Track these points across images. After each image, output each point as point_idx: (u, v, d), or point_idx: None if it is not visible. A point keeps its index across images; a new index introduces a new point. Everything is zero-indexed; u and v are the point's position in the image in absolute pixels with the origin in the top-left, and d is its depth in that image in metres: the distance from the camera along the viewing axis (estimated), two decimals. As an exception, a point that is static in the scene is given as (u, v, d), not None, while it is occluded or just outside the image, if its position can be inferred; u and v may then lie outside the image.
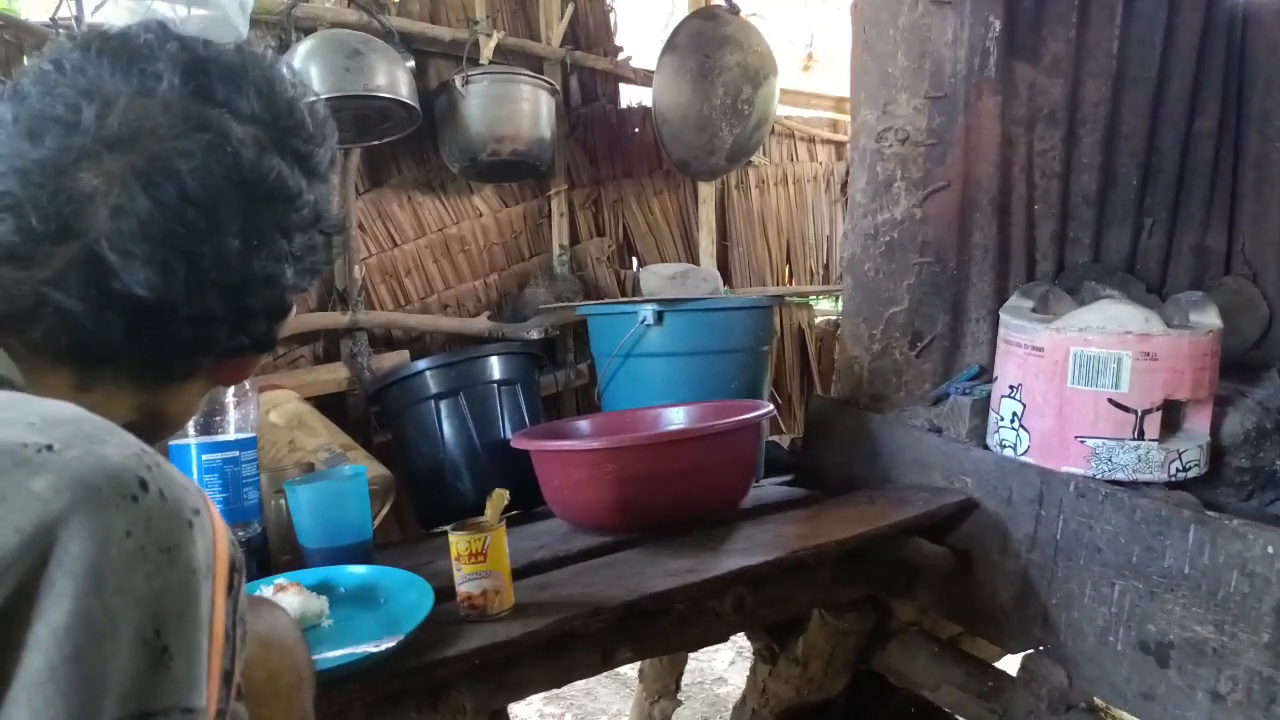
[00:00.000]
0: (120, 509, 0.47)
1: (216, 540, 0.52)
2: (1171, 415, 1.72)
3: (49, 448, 0.48)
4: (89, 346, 0.61)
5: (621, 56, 2.94)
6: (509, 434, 1.95)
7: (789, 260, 3.45)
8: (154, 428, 0.69)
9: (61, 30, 1.92)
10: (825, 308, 3.57)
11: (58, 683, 0.43)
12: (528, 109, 2.46)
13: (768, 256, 3.36)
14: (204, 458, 1.39)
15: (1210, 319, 1.78)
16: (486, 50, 2.52)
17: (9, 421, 0.49)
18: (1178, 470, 1.69)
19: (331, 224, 0.74)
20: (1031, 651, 1.63)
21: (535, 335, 2.56)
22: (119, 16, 2.01)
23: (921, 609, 1.82)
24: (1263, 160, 2.25)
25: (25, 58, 2.06)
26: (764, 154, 3.30)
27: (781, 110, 3.17)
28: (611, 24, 2.92)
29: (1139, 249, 2.29)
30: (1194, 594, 1.43)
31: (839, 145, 3.50)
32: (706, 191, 3.11)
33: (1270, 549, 1.36)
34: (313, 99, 0.73)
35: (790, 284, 3.43)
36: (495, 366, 2.04)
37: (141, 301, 0.60)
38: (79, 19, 1.89)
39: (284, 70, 0.72)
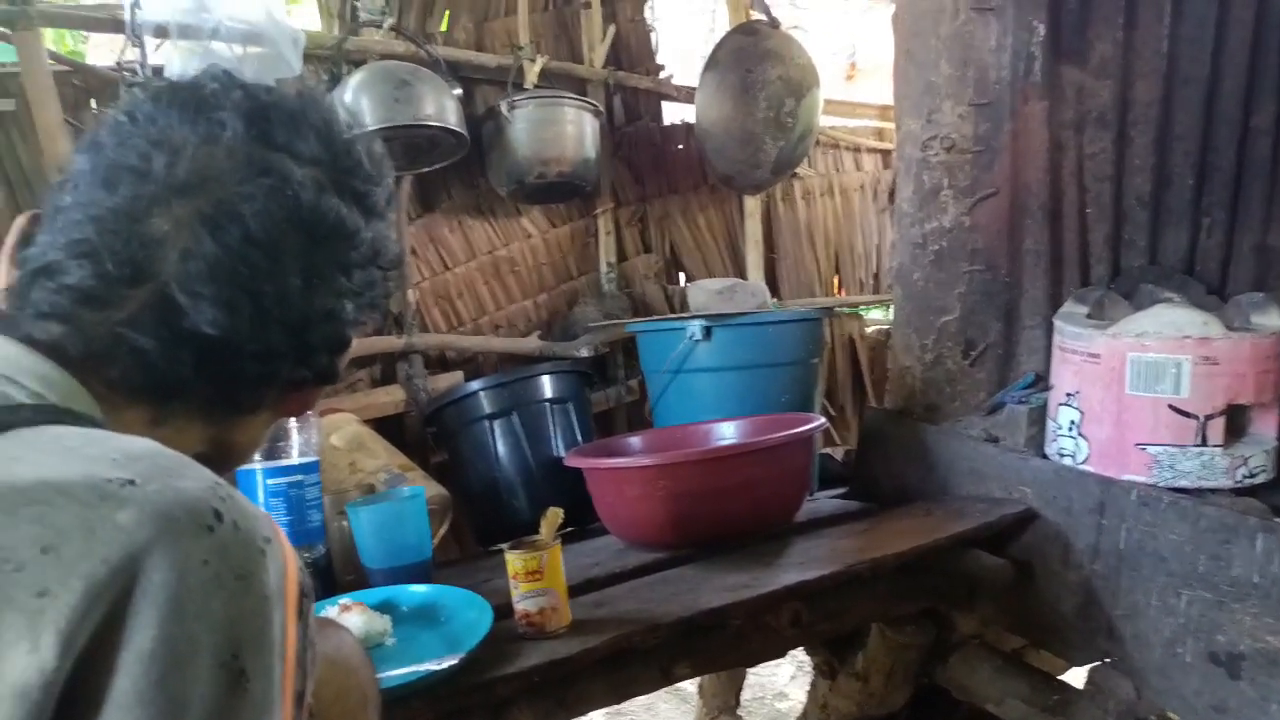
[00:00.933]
0: (198, 539, 0.50)
1: (287, 566, 0.55)
2: (1235, 420, 1.67)
3: (131, 482, 0.51)
4: (162, 383, 0.64)
5: (663, 75, 2.97)
6: (562, 452, 1.98)
7: (838, 271, 3.44)
8: (222, 458, 0.72)
9: (126, 73, 2.00)
10: (876, 317, 3.54)
11: (145, 705, 0.46)
12: (572, 130, 2.50)
13: (816, 268, 3.35)
14: (269, 482, 1.44)
15: (1273, 320, 1.74)
16: (531, 75, 2.57)
17: (93, 458, 0.52)
18: (1244, 476, 1.65)
19: (390, 260, 0.76)
20: (1097, 664, 1.60)
21: (585, 353, 2.59)
22: (179, 57, 2.09)
23: (983, 621, 1.79)
24: (1324, 155, 2.18)
25: (93, 101, 2.15)
26: (809, 165, 3.30)
27: (825, 121, 3.17)
28: (653, 43, 2.96)
29: (1197, 250, 2.23)
30: (1264, 603, 1.39)
31: (885, 154, 3.49)
32: (752, 205, 3.11)
33: (1345, 556, 1.32)
34: (369, 139, 0.76)
35: (840, 295, 3.41)
36: (547, 385, 2.07)
37: (209, 339, 0.63)
38: (143, 63, 1.97)
39: (341, 112, 0.75)
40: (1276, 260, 2.20)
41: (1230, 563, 1.45)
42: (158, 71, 2.02)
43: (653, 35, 2.95)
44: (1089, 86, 2.16)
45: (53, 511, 0.48)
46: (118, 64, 2.00)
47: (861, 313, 3.46)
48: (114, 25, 2.03)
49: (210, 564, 0.50)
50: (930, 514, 1.75)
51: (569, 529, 1.88)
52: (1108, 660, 1.59)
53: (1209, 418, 1.66)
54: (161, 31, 2.07)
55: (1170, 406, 1.67)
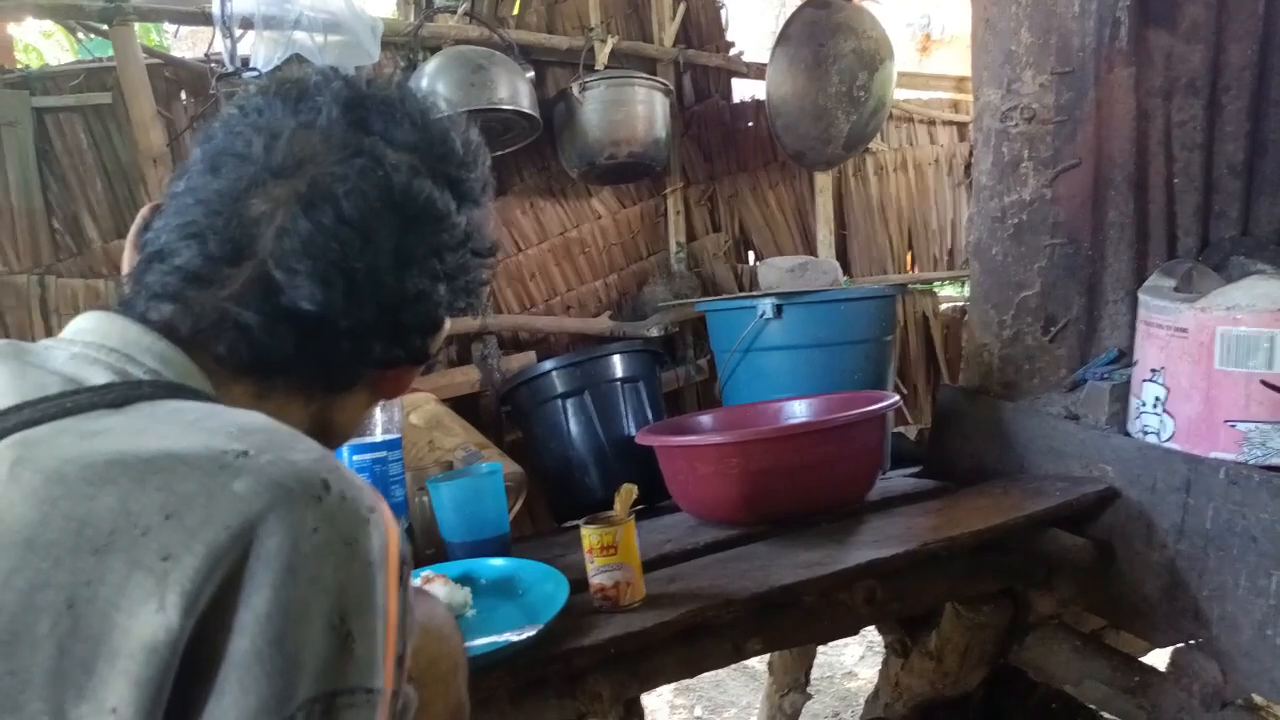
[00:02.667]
0: (309, 507, 0.53)
1: (389, 535, 0.58)
2: (1334, 397, 1.61)
3: (245, 454, 0.54)
4: (265, 358, 0.68)
5: (733, 52, 2.95)
6: (633, 430, 2.00)
7: (911, 247, 3.38)
8: (323, 436, 0.75)
9: (214, 65, 2.08)
10: (951, 294, 3.47)
11: (263, 663, 0.49)
12: (643, 111, 2.51)
13: (888, 244, 3.30)
14: (355, 458, 1.49)
15: (1376, 292, 1.66)
16: (602, 56, 2.58)
17: (211, 430, 0.56)
18: (1342, 455, 1.59)
19: (486, 246, 0.78)
20: (1181, 646, 1.56)
21: (655, 333, 2.60)
22: (263, 47, 2.16)
23: (1061, 602, 1.76)
24: None
25: (183, 94, 2.24)
26: (882, 140, 3.24)
27: (899, 94, 3.11)
28: (723, 20, 2.93)
29: (1294, 220, 2.14)
30: (1364, 587, 1.34)
31: (961, 127, 3.41)
32: (823, 181, 3.08)
33: None
34: (467, 127, 0.78)
35: (913, 271, 3.35)
36: (618, 365, 2.09)
37: (307, 315, 0.67)
38: (231, 54, 2.04)
39: (440, 104, 0.77)
40: (1381, 230, 2.09)
41: (1326, 544, 1.40)
42: (245, 62, 2.10)
43: (723, 12, 2.93)
44: (1178, 51, 2.08)
45: (176, 480, 0.52)
46: (206, 55, 2.08)
47: (935, 289, 3.40)
48: (203, 18, 2.11)
49: (320, 531, 0.53)
50: (1007, 493, 1.72)
51: (640, 506, 1.92)
52: (1193, 642, 1.55)
53: (1304, 394, 1.59)
54: (247, 23, 2.14)
55: (1263, 382, 1.61)
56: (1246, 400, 1.62)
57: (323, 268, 0.66)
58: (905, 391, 3.12)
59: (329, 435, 0.76)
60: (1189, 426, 1.68)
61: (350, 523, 0.55)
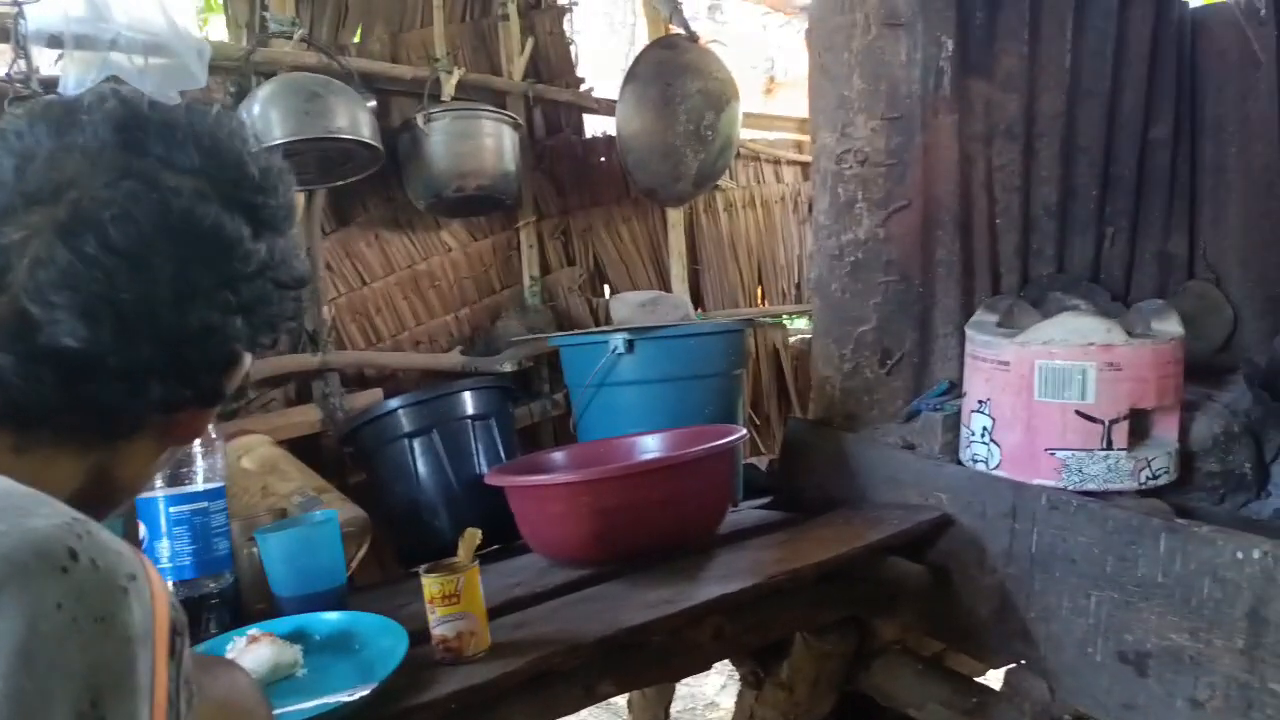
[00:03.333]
0: (50, 581, 0.47)
1: (155, 604, 0.52)
2: (1139, 423, 1.73)
3: None
4: (22, 405, 0.60)
5: (584, 88, 2.97)
6: (485, 469, 1.94)
7: (761, 281, 3.47)
8: (105, 493, 0.68)
9: (17, 85, 1.91)
10: (801, 326, 3.59)
11: None
12: (491, 144, 2.48)
13: (739, 279, 3.38)
14: (171, 510, 1.38)
15: (1172, 326, 1.81)
16: (448, 87, 2.53)
17: None
18: (1148, 478, 1.71)
19: (291, 277, 0.73)
20: (1013, 665, 1.63)
21: (509, 368, 2.55)
22: (74, 69, 2.01)
23: (904, 627, 1.82)
24: (1218, 166, 2.29)
25: (-17, 113, 2.05)
26: (730, 178, 3.33)
27: (746, 134, 3.20)
28: (573, 56, 2.95)
29: (1102, 258, 2.32)
30: (1169, 602, 1.44)
31: (805, 166, 3.54)
32: (675, 217, 3.12)
33: (1239, 554, 1.37)
34: (266, 153, 0.73)
35: (763, 305, 3.44)
36: (468, 402, 2.04)
37: (71, 355, 0.60)
38: (30, 75, 1.88)
39: (235, 126, 0.72)
40: (1176, 266, 2.30)
41: (1136, 563, 1.50)
42: (50, 84, 1.94)
43: (572, 48, 2.94)
44: (996, 99, 2.23)
45: None
46: (7, 75, 1.91)
47: (785, 322, 3.50)
48: (1, 34, 1.94)
49: (65, 607, 0.47)
50: (850, 522, 1.77)
51: (493, 548, 1.87)
52: (1023, 662, 1.62)
53: (1114, 422, 1.71)
54: (56, 41, 1.98)
55: (1077, 412, 1.72)
56: (1064, 429, 1.73)
57: (86, 301, 0.60)
58: (758, 423, 3.19)
59: (112, 490, 0.69)
60: (1013, 454, 1.77)
61: (103, 594, 0.49)
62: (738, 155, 3.19)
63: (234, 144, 0.70)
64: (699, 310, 3.13)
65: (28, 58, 1.87)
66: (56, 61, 2.00)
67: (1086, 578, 1.55)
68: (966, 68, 2.16)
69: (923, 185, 2.15)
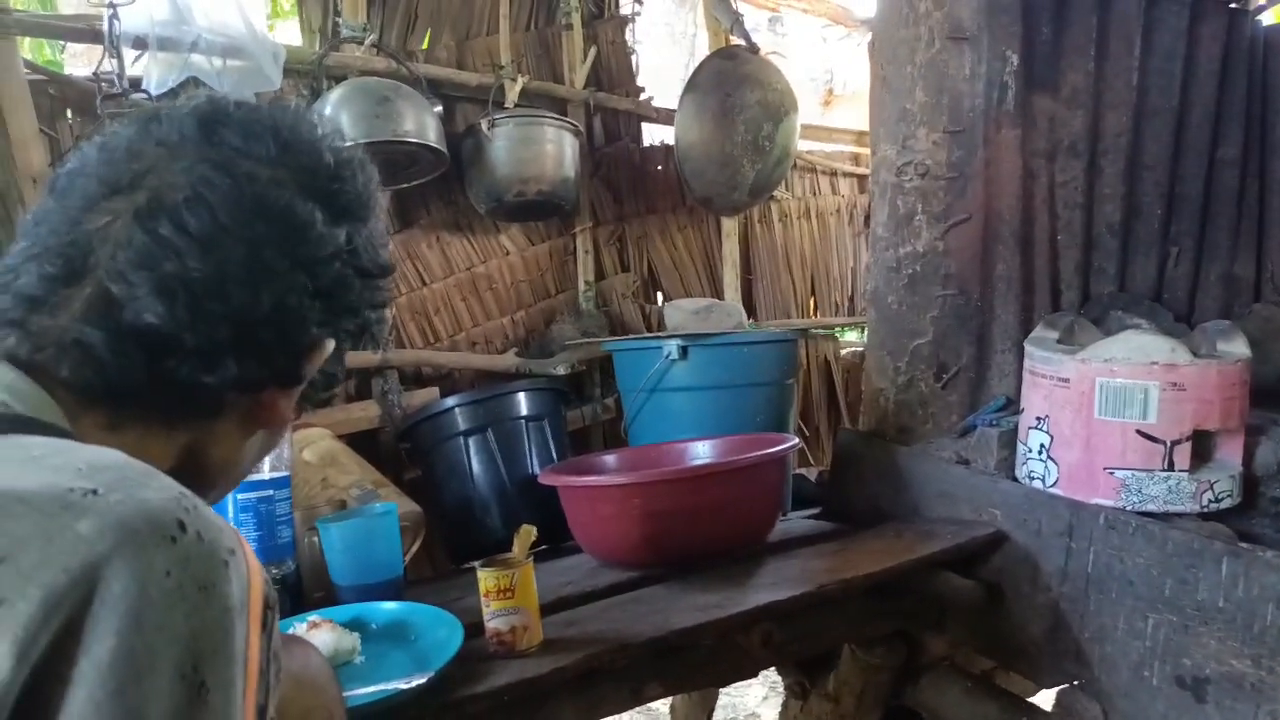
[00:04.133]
0: (160, 549, 0.50)
1: (251, 579, 0.55)
2: (1202, 445, 1.70)
3: (94, 492, 0.50)
4: (114, 382, 0.64)
5: (643, 97, 3.00)
6: (537, 469, 1.97)
7: (813, 293, 3.46)
8: (200, 474, 0.71)
9: (103, 84, 1.99)
10: (852, 339, 3.57)
11: (101, 716, 0.45)
12: (552, 150, 2.52)
13: (792, 289, 3.38)
14: (239, 497, 1.42)
15: (1239, 348, 1.77)
16: (512, 94, 2.58)
17: (57, 468, 0.52)
18: (1210, 501, 1.67)
19: (370, 263, 0.75)
20: (1066, 686, 1.61)
21: (562, 371, 2.59)
22: (157, 69, 2.09)
23: (953, 643, 1.80)
24: (1292, 188, 2.24)
25: (69, 112, 2.14)
26: (786, 188, 3.33)
27: (803, 145, 3.21)
28: (633, 65, 2.98)
29: (1165, 278, 2.28)
30: (1229, 627, 1.41)
31: (860, 179, 3.53)
32: (730, 226, 3.14)
33: (1306, 581, 1.34)
34: (344, 144, 0.76)
35: (815, 316, 3.44)
36: (523, 402, 2.07)
37: (152, 331, 0.63)
38: (119, 74, 1.96)
39: (313, 120, 0.75)
40: (1242, 289, 2.25)
41: (1196, 586, 1.47)
42: (135, 83, 2.01)
43: (633, 57, 2.98)
44: (1060, 116, 2.20)
45: (11, 520, 0.48)
46: (95, 74, 1.99)
47: (837, 334, 3.49)
48: (92, 35, 2.02)
49: (172, 574, 0.50)
50: (901, 536, 1.76)
51: (543, 547, 1.89)
52: (1076, 683, 1.59)
53: (1176, 443, 1.68)
54: (140, 43, 2.06)
55: (1138, 431, 1.69)
56: (1124, 448, 1.70)
57: (161, 279, 0.63)
58: (808, 433, 3.18)
59: (205, 472, 0.72)
60: (1071, 473, 1.75)
61: (206, 566, 0.52)
62: (794, 166, 3.20)
63: (310, 135, 0.73)
64: (751, 320, 3.13)
65: (119, 57, 1.95)
66: (135, 61, 2.08)
67: (1144, 600, 1.52)
68: (1031, 83, 2.14)
69: (984, 199, 2.13)
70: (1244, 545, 1.49)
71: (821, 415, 3.28)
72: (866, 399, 2.25)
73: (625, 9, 2.97)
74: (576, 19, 2.82)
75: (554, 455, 2.05)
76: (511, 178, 2.46)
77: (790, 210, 3.38)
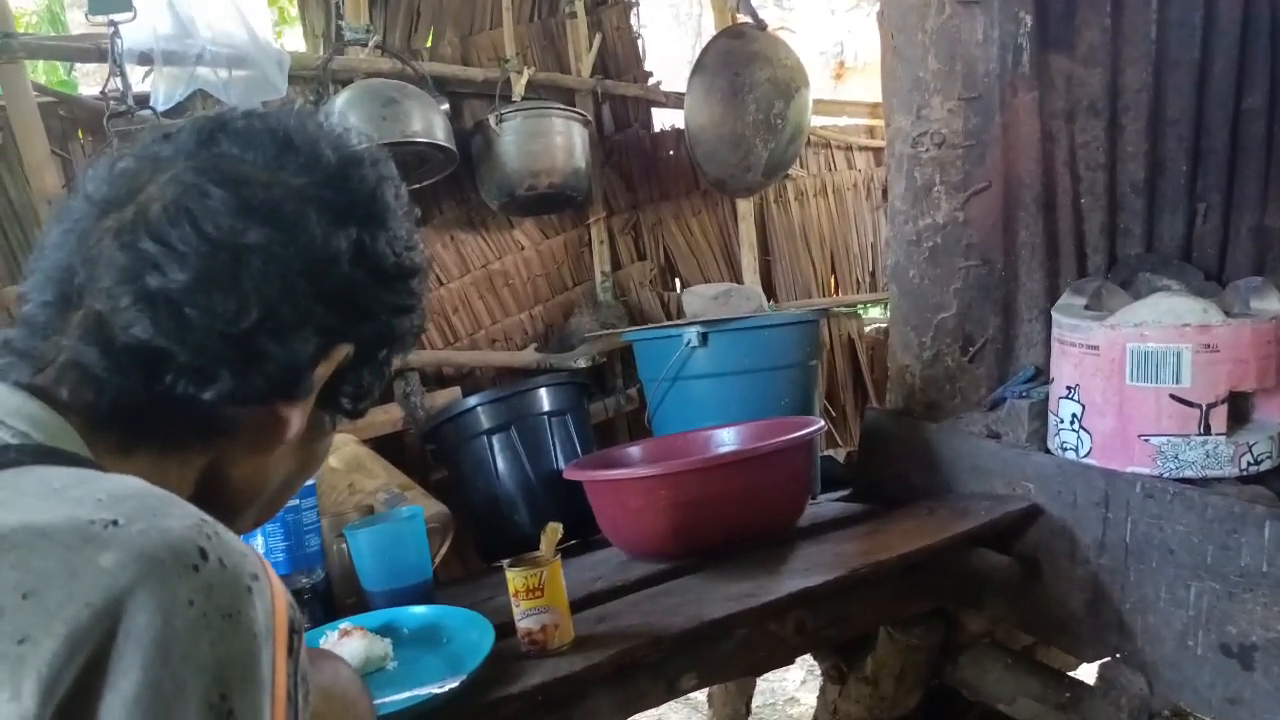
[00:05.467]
0: (183, 579, 0.49)
1: (275, 603, 0.54)
2: (1239, 407, 1.66)
3: (115, 523, 0.50)
4: (115, 402, 0.63)
5: (651, 81, 2.97)
6: (562, 464, 1.97)
7: (834, 271, 3.42)
8: (224, 498, 0.69)
9: (111, 102, 2.00)
10: (876, 316, 3.53)
11: None
12: (561, 141, 2.50)
13: (812, 269, 3.34)
14: (266, 508, 1.42)
15: (1273, 304, 1.72)
16: (518, 87, 2.56)
17: (78, 500, 0.52)
18: (1249, 464, 1.63)
19: (390, 265, 0.71)
20: (1108, 659, 1.58)
21: (583, 364, 2.58)
22: (164, 84, 2.09)
23: (992, 620, 1.77)
24: (1318, 134, 2.17)
25: (80, 132, 2.15)
26: (801, 166, 3.29)
27: (816, 121, 3.16)
28: (640, 50, 2.95)
29: (1194, 236, 2.22)
30: (1275, 592, 1.38)
31: (877, 151, 3.48)
32: (745, 208, 3.10)
33: (1353, 542, 1.31)
34: (352, 144, 0.72)
35: (837, 294, 3.40)
36: (544, 398, 2.06)
37: (143, 347, 0.62)
38: (125, 92, 1.96)
39: (320, 119, 0.73)
40: (1274, 242, 2.18)
41: (1239, 552, 1.44)
42: (142, 100, 2.02)
43: (639, 42, 2.95)
44: (1078, 75, 2.15)
45: (34, 556, 0.48)
46: (103, 93, 2.00)
47: (860, 312, 3.45)
48: (98, 55, 2.03)
49: (196, 604, 0.49)
50: (934, 513, 1.74)
51: (571, 542, 1.88)
52: (1119, 655, 1.57)
53: (1211, 406, 1.64)
54: (146, 59, 2.07)
55: (1172, 396, 1.65)
56: (1158, 414, 1.66)
57: (145, 294, 0.62)
58: (834, 414, 3.15)
59: (230, 496, 0.70)
60: (1105, 442, 1.71)
61: (230, 593, 0.51)
62: (808, 143, 3.16)
63: (313, 134, 0.70)
64: (772, 302, 3.10)
65: (123, 75, 1.95)
66: (145, 78, 2.09)
67: (1185, 568, 1.49)
68: (1046, 43, 2.09)
69: (1003, 166, 2.09)
70: (1289, 508, 1.46)
71: (847, 395, 3.24)
72: (893, 376, 2.22)
73: (629, -8, 2.94)
74: (580, 7, 2.79)
75: (578, 449, 2.05)
76: (522, 171, 2.44)
77: (806, 188, 3.34)
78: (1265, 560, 1.39)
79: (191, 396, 0.64)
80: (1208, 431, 1.63)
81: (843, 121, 3.54)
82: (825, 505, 1.97)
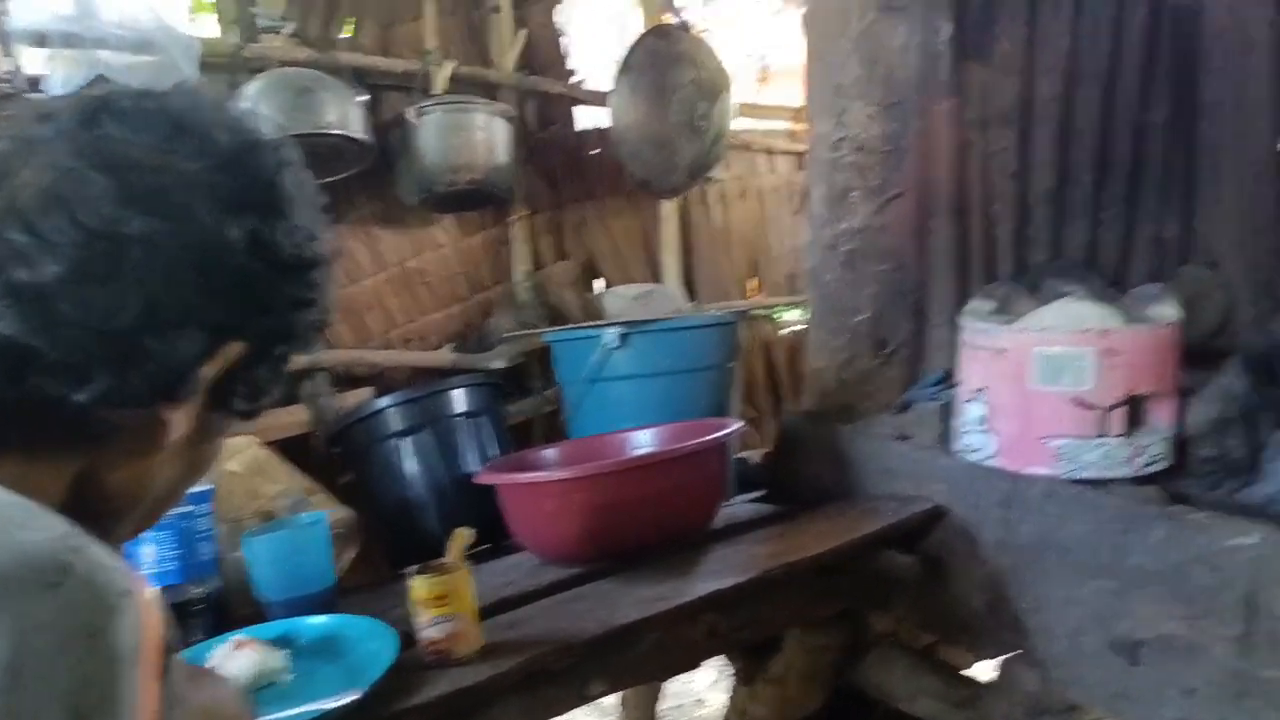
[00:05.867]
0: (40, 597, 0.47)
1: (145, 622, 0.51)
2: (1136, 410, 1.71)
3: None
4: None
5: (576, 79, 2.94)
6: (476, 467, 1.93)
7: (756, 273, 3.45)
8: (101, 505, 0.65)
9: (2, 84, 1.90)
10: (795, 318, 3.57)
11: None
12: (483, 137, 2.47)
13: (733, 271, 3.36)
14: (158, 514, 1.37)
15: (1169, 311, 1.78)
16: (439, 80, 2.52)
17: None
18: (1144, 465, 1.69)
19: (288, 255, 0.66)
20: (1006, 657, 1.62)
21: (501, 365, 2.54)
22: (61, 67, 2.00)
23: (897, 620, 1.80)
24: (1215, 149, 2.26)
25: (-33, 115, 2.04)
26: (725, 168, 3.30)
27: (739, 124, 3.18)
28: (564, 48, 2.93)
29: (1098, 244, 2.30)
30: (1163, 590, 1.43)
31: (799, 156, 3.52)
32: (669, 209, 3.10)
33: (1234, 541, 1.36)
34: (250, 129, 0.68)
35: (759, 296, 3.43)
36: (459, 399, 2.03)
37: (10, 344, 0.57)
38: (15, 73, 1.87)
39: (218, 103, 0.69)
40: (1172, 252, 2.28)
41: (1130, 551, 1.48)
42: (34, 83, 1.92)
43: (563, 40, 2.92)
44: (994, 84, 2.20)
45: None
46: (-9, 75, 1.90)
47: (779, 315, 3.48)
48: (-14, 35, 1.92)
49: (55, 623, 0.47)
50: (844, 515, 1.76)
51: (483, 547, 1.85)
52: (1016, 653, 1.61)
53: (1110, 409, 1.69)
54: (41, 40, 1.97)
55: (1074, 399, 1.70)
56: (1060, 416, 1.71)
57: (12, 288, 0.57)
58: (752, 416, 3.17)
59: (107, 503, 0.65)
60: (1009, 444, 1.75)
61: (93, 610, 0.49)
62: (731, 146, 3.17)
63: (208, 119, 0.65)
64: (693, 303, 3.11)
65: (10, 54, 1.86)
66: (50, 59, 1.99)
67: (1080, 567, 1.53)
68: (964, 52, 2.14)
69: (919, 172, 2.13)
70: (1176, 508, 1.51)
71: (764, 397, 3.27)
72: (809, 379, 2.24)
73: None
74: (505, 1, 2.75)
75: (493, 452, 2.01)
76: (442, 167, 2.40)
77: (729, 191, 3.35)
78: (1154, 559, 1.45)
79: (62, 398, 0.60)
80: (1106, 434, 1.68)
81: (766, 125, 3.57)
82: (740, 507, 1.98)
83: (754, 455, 2.27)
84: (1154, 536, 1.46)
